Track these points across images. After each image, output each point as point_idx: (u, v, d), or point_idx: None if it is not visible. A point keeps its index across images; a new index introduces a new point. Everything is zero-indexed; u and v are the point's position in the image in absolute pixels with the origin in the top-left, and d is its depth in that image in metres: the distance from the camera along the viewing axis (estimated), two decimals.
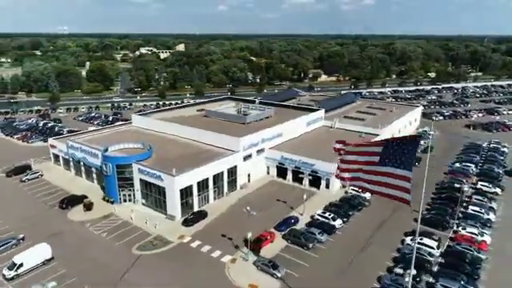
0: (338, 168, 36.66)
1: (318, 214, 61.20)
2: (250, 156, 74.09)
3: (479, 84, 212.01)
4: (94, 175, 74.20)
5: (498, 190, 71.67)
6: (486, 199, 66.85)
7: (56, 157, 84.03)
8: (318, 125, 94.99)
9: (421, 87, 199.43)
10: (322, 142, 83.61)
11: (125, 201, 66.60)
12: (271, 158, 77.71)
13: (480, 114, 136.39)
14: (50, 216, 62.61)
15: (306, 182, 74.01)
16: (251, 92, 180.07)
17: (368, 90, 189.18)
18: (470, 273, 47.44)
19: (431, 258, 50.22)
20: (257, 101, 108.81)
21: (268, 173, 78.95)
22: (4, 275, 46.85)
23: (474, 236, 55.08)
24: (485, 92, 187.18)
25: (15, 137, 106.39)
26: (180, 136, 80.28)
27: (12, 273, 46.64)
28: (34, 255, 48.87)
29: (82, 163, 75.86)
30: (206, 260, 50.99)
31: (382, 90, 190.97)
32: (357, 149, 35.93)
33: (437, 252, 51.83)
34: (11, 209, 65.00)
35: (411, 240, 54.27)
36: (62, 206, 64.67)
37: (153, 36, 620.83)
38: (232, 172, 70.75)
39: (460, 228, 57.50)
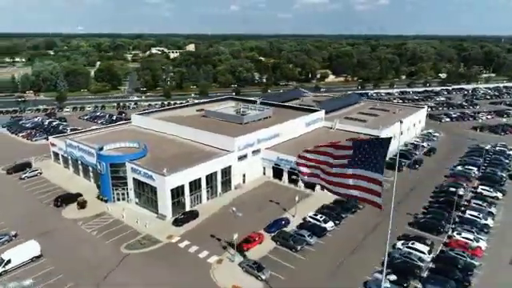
0: (302, 165, 36.22)
1: (310, 216, 60.48)
2: (245, 156, 73.71)
3: (491, 85, 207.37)
4: (91, 174, 74.81)
5: (499, 195, 69.71)
6: (485, 204, 65.06)
7: (56, 155, 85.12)
8: (318, 125, 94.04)
9: (430, 88, 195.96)
10: (319, 143, 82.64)
11: (118, 199, 66.94)
12: (267, 159, 77.21)
13: (489, 116, 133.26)
14: (44, 214, 63.34)
15: (301, 183, 73.18)
16: (256, 92, 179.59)
17: (375, 91, 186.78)
18: (461, 279, 46.11)
19: (421, 264, 49.00)
20: (258, 101, 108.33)
21: (264, 173, 78.46)
22: None
23: (468, 241, 53.59)
24: (496, 93, 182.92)
25: (20, 135, 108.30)
26: (177, 136, 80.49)
27: (0, 269, 47.25)
28: (22, 252, 49.42)
29: (79, 162, 76.63)
30: (193, 260, 50.81)
31: (390, 90, 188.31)
32: (326, 149, 35.40)
33: (428, 257, 50.57)
34: (8, 205, 66.03)
35: (402, 244, 53.14)
36: (56, 203, 65.37)
37: (165, 36, 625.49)
38: (226, 172, 70.48)
39: (455, 233, 56.07)
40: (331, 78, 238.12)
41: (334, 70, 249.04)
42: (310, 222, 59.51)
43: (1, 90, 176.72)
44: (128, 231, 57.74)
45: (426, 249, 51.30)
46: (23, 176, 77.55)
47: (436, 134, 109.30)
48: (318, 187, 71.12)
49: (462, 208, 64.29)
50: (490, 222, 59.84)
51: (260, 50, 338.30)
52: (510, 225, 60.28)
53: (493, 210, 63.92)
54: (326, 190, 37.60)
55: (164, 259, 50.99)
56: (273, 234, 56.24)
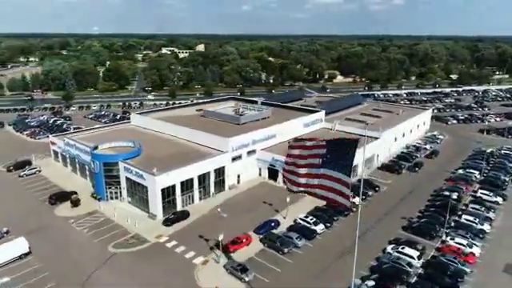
0: (284, 170, 35.94)
1: (300, 218, 59.73)
2: (239, 157, 73.33)
3: (504, 87, 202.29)
4: (87, 172, 75.40)
5: (500, 199, 67.72)
6: (483, 208, 63.23)
7: (56, 153, 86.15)
8: (318, 127, 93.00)
9: (439, 89, 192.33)
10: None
11: (112, 198, 67.31)
12: (262, 160, 76.67)
13: (498, 119, 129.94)
14: (38, 211, 64.03)
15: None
16: (261, 92, 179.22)
17: (382, 92, 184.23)
18: (450, 286, 44.84)
19: (410, 269, 47.79)
20: (259, 101, 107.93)
21: (260, 174, 77.94)
22: None
23: (461, 247, 52.12)
24: (508, 95, 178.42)
25: (25, 133, 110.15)
26: (174, 135, 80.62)
27: None
28: (10, 249, 49.99)
29: (76, 160, 77.37)
30: (178, 261, 50.64)
31: (398, 91, 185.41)
32: (302, 151, 35.05)
33: (418, 262, 49.31)
34: (3, 203, 66.99)
35: (392, 249, 51.98)
36: (50, 201, 66.08)
37: (177, 36, 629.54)
38: (220, 173, 70.21)
39: (448, 238, 54.62)
40: (339, 78, 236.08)
41: (342, 70, 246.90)
42: (300, 224, 58.78)
43: (12, 88, 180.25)
44: (118, 230, 57.94)
45: (415, 254, 50.05)
46: (22, 174, 78.74)
47: (440, 137, 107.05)
48: None
49: (460, 212, 62.68)
50: (486, 227, 58.09)
51: (269, 51, 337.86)
52: (508, 230, 58.50)
53: (491, 214, 62.11)
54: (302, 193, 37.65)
55: (150, 259, 50.94)
56: (261, 236, 55.71)
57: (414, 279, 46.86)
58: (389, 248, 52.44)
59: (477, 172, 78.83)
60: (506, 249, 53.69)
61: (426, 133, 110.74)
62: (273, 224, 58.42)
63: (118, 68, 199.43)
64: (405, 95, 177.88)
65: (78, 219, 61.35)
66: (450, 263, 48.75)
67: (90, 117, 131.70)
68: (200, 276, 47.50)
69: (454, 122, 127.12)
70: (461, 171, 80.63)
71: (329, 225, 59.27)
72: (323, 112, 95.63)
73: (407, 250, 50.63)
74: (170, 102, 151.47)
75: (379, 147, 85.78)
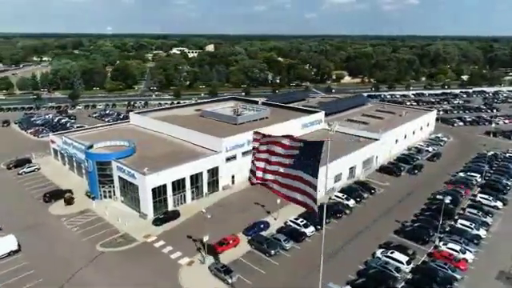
0: (253, 163, 35.64)
1: (291, 220, 58.99)
2: (234, 157, 72.89)
3: None
4: (84, 171, 75.91)
5: (499, 204, 65.76)
6: (480, 213, 61.46)
7: (56, 152, 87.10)
8: (317, 127, 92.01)
9: (448, 90, 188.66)
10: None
11: (105, 197, 67.63)
12: None
13: (506, 121, 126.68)
14: (32, 209, 64.70)
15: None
16: (266, 92, 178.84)
17: (390, 93, 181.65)
18: None
19: (397, 274, 46.65)
20: (259, 101, 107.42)
21: None
22: None
23: (453, 253, 50.70)
24: None
25: (29, 131, 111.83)
26: (170, 135, 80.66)
27: None
28: None
29: (73, 159, 78.04)
30: (164, 261, 50.46)
31: (406, 92, 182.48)
32: (276, 148, 34.66)
33: (406, 268, 48.10)
34: (0, 200, 67.94)
35: (381, 253, 50.85)
36: (45, 199, 66.72)
37: (189, 37, 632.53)
38: (213, 173, 69.92)
39: (441, 243, 53.20)
40: (347, 79, 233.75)
41: (351, 70, 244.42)
42: (290, 226, 58.07)
43: (21, 87, 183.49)
44: (108, 229, 58.10)
45: (404, 259, 48.84)
46: (21, 171, 79.79)
47: (444, 139, 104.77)
48: None
49: (456, 217, 61.07)
50: (482, 232, 56.42)
51: (279, 51, 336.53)
52: (505, 236, 56.71)
53: (488, 219, 60.31)
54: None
55: (135, 259, 50.91)
56: (249, 238, 55.19)
57: (401, 285, 45.75)
58: (378, 252, 51.32)
59: (478, 175, 76.80)
60: (500, 255, 52.02)
61: (430, 134, 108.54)
62: (262, 226, 57.84)
63: (125, 68, 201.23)
64: (412, 96, 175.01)
65: (71, 217, 61.77)
66: (440, 269, 47.43)
67: (95, 116, 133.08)
68: (183, 277, 47.26)
69: (461, 123, 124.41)
70: (462, 174, 78.70)
71: (319, 227, 58.29)
72: (322, 113, 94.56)
73: (396, 255, 49.47)
74: (175, 102, 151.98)
75: (379, 149, 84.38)
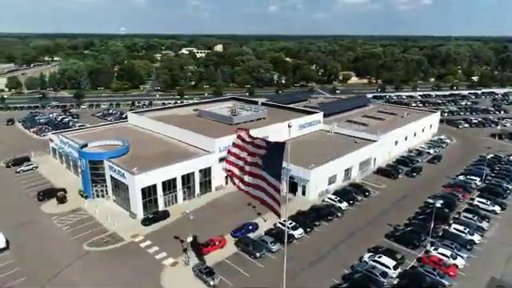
0: (227, 161, 35.38)
1: (280, 222, 58.15)
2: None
3: None
4: (79, 169, 76.41)
5: (497, 208, 63.88)
6: (476, 217, 59.75)
7: (54, 150, 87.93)
8: (315, 128, 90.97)
9: (456, 92, 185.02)
10: (312, 147, 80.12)
11: (98, 196, 67.90)
12: None
13: None
14: (25, 207, 65.27)
15: (283, 187, 70.87)
16: (269, 93, 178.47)
17: (396, 94, 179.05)
18: None
19: (383, 279, 45.54)
20: (259, 102, 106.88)
21: None
22: None
23: (443, 258, 49.33)
24: None
25: (31, 130, 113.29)
26: (166, 135, 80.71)
27: None
28: None
29: (70, 157, 78.64)
30: (148, 261, 50.25)
31: (413, 93, 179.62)
32: (246, 146, 34.22)
33: (393, 273, 46.95)
34: None
35: (369, 257, 49.77)
36: (39, 198, 67.30)
37: (201, 37, 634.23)
38: (206, 173, 69.61)
39: (432, 248, 51.86)
40: (354, 79, 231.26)
41: (358, 71, 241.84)
42: (279, 228, 57.31)
43: (29, 87, 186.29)
44: (97, 228, 58.22)
45: (392, 263, 47.68)
46: (19, 169, 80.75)
47: (447, 141, 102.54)
48: (298, 192, 69.13)
49: (451, 221, 59.52)
50: (476, 237, 54.80)
51: (287, 51, 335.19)
52: (500, 242, 54.98)
53: (484, 224, 58.58)
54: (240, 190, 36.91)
55: (120, 258, 50.84)
56: (236, 239, 54.70)
57: None
58: (366, 256, 50.24)
59: (478, 179, 74.86)
60: (494, 261, 50.47)
61: (432, 136, 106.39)
62: (251, 227, 57.25)
63: (131, 68, 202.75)
64: (419, 97, 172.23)
65: (62, 216, 62.11)
66: (429, 275, 46.13)
67: (98, 115, 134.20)
68: (166, 277, 46.98)
69: (466, 125, 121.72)
70: (461, 177, 76.83)
71: (309, 229, 57.51)
72: (321, 113, 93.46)
73: (383, 259, 48.32)
74: (179, 102, 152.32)
75: (377, 150, 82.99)
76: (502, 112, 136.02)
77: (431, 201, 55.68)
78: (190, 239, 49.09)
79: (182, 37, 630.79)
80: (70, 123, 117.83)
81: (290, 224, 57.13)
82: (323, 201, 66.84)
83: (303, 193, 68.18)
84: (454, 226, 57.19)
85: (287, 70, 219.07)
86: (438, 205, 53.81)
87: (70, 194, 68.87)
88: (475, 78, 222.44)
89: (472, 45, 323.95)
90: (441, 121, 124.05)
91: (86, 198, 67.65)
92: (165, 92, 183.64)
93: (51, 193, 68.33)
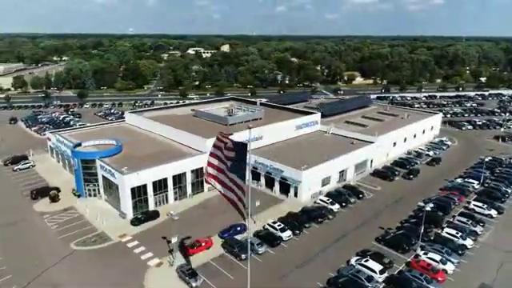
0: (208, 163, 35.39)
1: (268, 224, 57.65)
2: None
3: None
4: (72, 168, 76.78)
5: (494, 213, 62.38)
6: (470, 222, 58.38)
7: (52, 149, 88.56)
8: (312, 129, 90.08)
9: (463, 93, 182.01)
10: (307, 148, 79.43)
11: (90, 195, 68.12)
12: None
13: None
14: (18, 205, 65.70)
15: (276, 188, 70.45)
16: (272, 93, 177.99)
17: (400, 95, 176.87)
18: None
19: (368, 284, 44.66)
20: (258, 102, 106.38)
21: None
22: None
23: (432, 263, 48.24)
24: None
25: (33, 129, 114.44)
26: (161, 135, 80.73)
27: None
28: None
29: (65, 156, 79.07)
30: (133, 261, 50.09)
31: (417, 94, 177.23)
32: (223, 148, 34.09)
33: (379, 277, 46.02)
34: None
35: (356, 261, 48.91)
36: (32, 196, 67.74)
37: (210, 37, 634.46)
38: (198, 173, 69.33)
39: (421, 252, 50.78)
40: (359, 80, 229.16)
41: (364, 71, 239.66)
42: (267, 229, 56.77)
43: (35, 86, 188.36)
44: (86, 228, 58.28)
45: (378, 268, 46.74)
46: (16, 168, 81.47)
47: (448, 143, 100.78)
48: (291, 194, 68.49)
49: (444, 225, 58.29)
50: (468, 242, 53.51)
51: (293, 51, 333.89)
52: (493, 247, 53.64)
53: (478, 229, 57.19)
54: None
55: (106, 258, 50.78)
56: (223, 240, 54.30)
57: None
58: (353, 260, 49.38)
59: (475, 182, 73.32)
60: (485, 267, 49.21)
61: (434, 138, 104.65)
62: (239, 228, 56.73)
63: (136, 67, 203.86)
64: (424, 98, 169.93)
65: (53, 215, 62.36)
66: (415, 280, 45.12)
67: (99, 115, 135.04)
68: (149, 278, 46.76)
69: (470, 127, 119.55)
70: (459, 180, 75.33)
71: (298, 232, 56.78)
72: (318, 114, 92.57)
73: (370, 263, 47.42)
74: (180, 102, 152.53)
75: (374, 152, 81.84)
76: (508, 114, 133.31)
77: (422, 204, 54.41)
78: (174, 240, 48.79)
79: (191, 37, 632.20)
80: (71, 122, 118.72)
81: (279, 226, 56.59)
82: (315, 203, 66.03)
83: (295, 194, 67.46)
84: (446, 230, 56.00)
85: (291, 70, 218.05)
86: (428, 208, 52.55)
87: (64, 193, 69.19)
88: (483, 79, 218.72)
89: (482, 45, 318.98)
90: (444, 122, 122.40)
91: (79, 197, 67.93)
92: (167, 92, 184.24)
93: (44, 191, 68.68)
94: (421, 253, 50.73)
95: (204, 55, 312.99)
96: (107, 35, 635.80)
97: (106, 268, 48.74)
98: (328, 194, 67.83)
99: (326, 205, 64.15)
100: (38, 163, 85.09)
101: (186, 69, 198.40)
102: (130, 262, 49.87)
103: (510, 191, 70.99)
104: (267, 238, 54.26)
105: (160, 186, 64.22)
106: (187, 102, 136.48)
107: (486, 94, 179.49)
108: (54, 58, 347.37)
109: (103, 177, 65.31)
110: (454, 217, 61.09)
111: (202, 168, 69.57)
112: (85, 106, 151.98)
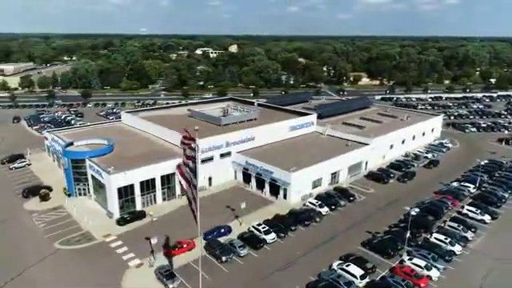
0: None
1: (253, 226, 56.99)
2: (210, 159, 71.76)
3: None
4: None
5: (487, 218, 60.62)
6: (461, 227, 56.82)
7: (48, 148, 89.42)
8: (308, 130, 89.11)
9: (470, 94, 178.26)
10: (301, 150, 78.52)
11: (80, 194, 68.47)
12: (237, 163, 74.55)
13: None
14: (9, 204, 66.28)
15: (266, 190, 69.79)
16: (275, 93, 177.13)
17: (405, 96, 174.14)
18: None
19: None
20: (255, 103, 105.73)
21: (236, 178, 75.90)
22: None
23: (416, 269, 47.01)
24: None
25: (34, 128, 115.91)
26: (153, 134, 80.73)
27: None
28: None
29: (59, 155, 79.63)
30: (114, 261, 50.00)
31: (423, 96, 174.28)
32: (188, 149, 34.19)
33: (360, 282, 45.01)
34: None
35: (337, 265, 47.97)
36: (23, 195, 68.37)
37: (221, 37, 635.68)
38: None
39: (406, 258, 49.57)
40: (365, 80, 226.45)
41: (371, 72, 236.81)
42: (252, 232, 56.14)
43: (42, 85, 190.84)
44: (72, 227, 58.46)
45: (359, 273, 45.73)
46: (12, 166, 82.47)
47: (448, 145, 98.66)
48: (280, 195, 67.79)
49: (434, 230, 56.86)
50: (457, 248, 52.04)
51: (301, 51, 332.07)
52: (483, 254, 52.05)
53: (469, 234, 55.62)
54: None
55: (88, 258, 50.81)
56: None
57: None
58: (334, 264, 48.46)
59: (471, 186, 71.49)
60: (472, 275, 47.79)
61: (434, 140, 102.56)
62: (223, 230, 56.28)
63: (141, 67, 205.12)
64: (430, 100, 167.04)
65: (41, 214, 62.74)
66: (397, 286, 43.99)
67: (101, 114, 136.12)
68: (127, 279, 46.64)
69: (473, 129, 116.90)
70: (455, 184, 73.57)
71: (283, 235, 56.00)
72: (315, 115, 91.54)
73: (351, 268, 46.43)
74: (183, 101, 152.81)
75: (369, 154, 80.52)
76: None
77: (407, 208, 52.98)
78: (154, 241, 48.57)
79: (202, 37, 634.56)
80: (72, 122, 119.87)
81: (263, 228, 55.90)
82: (304, 205, 65.15)
83: (285, 196, 66.72)
84: (435, 235, 54.60)
85: (296, 70, 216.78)
86: (413, 213, 51.20)
87: (55, 192, 69.69)
88: (493, 80, 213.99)
89: (494, 45, 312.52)
90: (447, 124, 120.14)
91: (70, 196, 68.29)
92: (169, 92, 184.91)
93: (36, 190, 69.24)
94: (406, 258, 49.53)
95: (212, 55, 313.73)
96: (119, 35, 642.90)
97: (86, 267, 48.74)
98: (318, 197, 66.87)
99: (314, 207, 63.21)
100: (34, 162, 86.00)
101: (190, 69, 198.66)
102: (111, 262, 49.80)
103: (507, 196, 69.01)
104: (251, 240, 53.64)
105: (148, 186, 64.15)
106: (184, 102, 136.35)
107: (495, 95, 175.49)
108: (65, 58, 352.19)
109: (92, 176, 65.56)
110: (445, 222, 59.58)
111: None
112: (88, 105, 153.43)
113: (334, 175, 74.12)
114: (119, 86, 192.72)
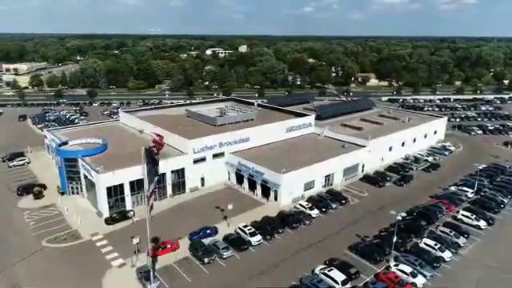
0: None
1: (239, 228, 56.45)
2: (203, 159, 71.51)
3: None
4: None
5: (482, 224, 58.71)
6: (453, 233, 55.16)
7: (48, 147, 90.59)
8: (305, 132, 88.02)
9: (480, 96, 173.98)
10: (296, 151, 77.63)
11: (73, 193, 69.05)
12: (230, 164, 74.12)
13: None
14: (3, 201, 67.24)
15: (258, 191, 69.18)
16: (281, 94, 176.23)
17: (413, 97, 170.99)
18: None
19: None
20: (255, 103, 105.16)
21: (229, 178, 75.47)
22: None
23: (401, 275, 45.76)
24: None
25: (38, 126, 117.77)
26: (150, 134, 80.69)
27: None
28: None
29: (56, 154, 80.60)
30: (98, 261, 50.10)
31: (431, 97, 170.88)
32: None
33: None
34: None
35: (320, 270, 47.05)
36: (18, 192, 69.31)
37: (233, 38, 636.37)
38: (179, 174, 69.01)
39: (393, 264, 48.33)
40: (374, 81, 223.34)
41: (381, 73, 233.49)
42: (238, 233, 55.63)
43: (51, 85, 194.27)
44: (62, 225, 58.93)
45: (341, 278, 44.74)
46: (11, 164, 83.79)
47: (451, 148, 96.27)
48: (271, 197, 67.13)
49: (425, 235, 55.36)
50: (447, 254, 50.50)
51: (312, 52, 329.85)
52: (474, 261, 50.36)
53: (461, 240, 53.93)
54: None
55: (72, 256, 51.07)
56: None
57: None
58: (317, 269, 47.52)
59: (470, 190, 69.47)
60: (459, 282, 46.34)
61: (437, 143, 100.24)
62: (209, 231, 55.92)
63: (148, 67, 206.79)
64: (438, 101, 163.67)
65: (34, 211, 63.44)
66: None
67: (106, 113, 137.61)
68: (108, 278, 46.65)
69: (480, 132, 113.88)
70: (453, 188, 71.63)
71: (269, 237, 55.31)
72: (312, 116, 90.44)
73: (333, 273, 45.46)
74: (188, 101, 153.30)
75: (365, 156, 79.10)
76: None
77: (393, 212, 51.39)
78: (136, 241, 48.46)
79: (214, 37, 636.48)
80: (76, 120, 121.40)
81: (249, 230, 55.31)
82: (295, 207, 64.29)
83: (275, 198, 65.98)
84: (425, 240, 53.14)
85: (303, 70, 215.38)
86: (399, 217, 49.79)
87: (50, 190, 70.44)
88: (506, 82, 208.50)
89: (511, 45, 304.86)
90: (453, 127, 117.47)
91: (63, 194, 68.94)
92: (174, 92, 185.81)
93: (30, 188, 70.10)
94: (392, 264, 48.30)
95: (221, 55, 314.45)
96: (132, 36, 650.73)
97: (69, 266, 48.99)
98: (309, 199, 65.94)
99: (304, 210, 62.31)
100: (34, 160, 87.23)
101: (196, 69, 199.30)
102: (93, 261, 49.90)
103: (506, 201, 66.80)
104: (235, 242, 53.13)
105: (138, 185, 64.08)
106: (183, 102, 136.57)
107: (506, 97, 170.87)
108: (77, 58, 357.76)
109: (85, 175, 66.01)
110: (437, 227, 57.98)
111: (183, 169, 69.51)
112: (94, 104, 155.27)
113: (328, 177, 72.99)
114: (126, 86, 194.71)
